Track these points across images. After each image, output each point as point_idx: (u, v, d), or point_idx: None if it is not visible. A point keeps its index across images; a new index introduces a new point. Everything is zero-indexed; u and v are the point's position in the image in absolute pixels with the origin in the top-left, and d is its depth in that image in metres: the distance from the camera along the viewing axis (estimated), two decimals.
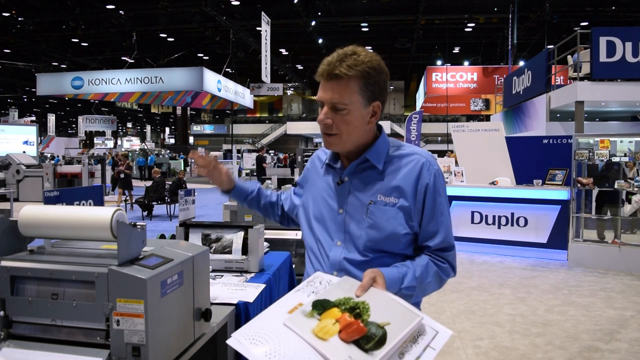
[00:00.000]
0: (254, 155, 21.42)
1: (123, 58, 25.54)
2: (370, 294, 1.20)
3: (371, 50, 1.39)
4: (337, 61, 1.31)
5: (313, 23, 21.72)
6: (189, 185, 11.39)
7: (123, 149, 30.26)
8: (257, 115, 46.31)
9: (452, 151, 16.11)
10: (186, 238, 2.38)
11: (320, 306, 1.18)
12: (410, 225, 1.38)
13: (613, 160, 6.39)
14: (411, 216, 1.38)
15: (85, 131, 36.02)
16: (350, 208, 1.40)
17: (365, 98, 1.34)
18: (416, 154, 1.42)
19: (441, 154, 21.42)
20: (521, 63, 20.22)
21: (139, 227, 1.37)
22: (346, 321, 1.12)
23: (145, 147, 35.44)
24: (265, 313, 1.21)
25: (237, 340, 1.12)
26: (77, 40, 24.84)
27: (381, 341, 1.06)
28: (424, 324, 1.14)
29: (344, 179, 1.43)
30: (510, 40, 18.78)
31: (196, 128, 45.78)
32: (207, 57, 29.60)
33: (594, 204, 6.79)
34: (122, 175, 12.66)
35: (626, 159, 6.56)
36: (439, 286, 1.42)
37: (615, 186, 6.30)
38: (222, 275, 2.24)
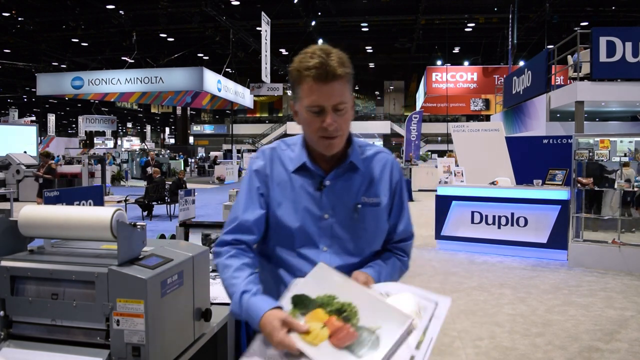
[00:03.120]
0: (254, 155, 21.41)
1: (123, 58, 25.54)
2: (355, 293, 1.15)
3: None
4: (328, 60, 1.25)
5: (313, 23, 21.71)
6: (189, 186, 11.39)
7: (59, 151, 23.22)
8: (257, 115, 46.27)
9: (452, 151, 16.10)
10: (186, 238, 2.38)
11: (302, 304, 1.13)
12: (388, 221, 1.43)
13: (596, 160, 6.35)
14: (389, 213, 1.43)
15: (85, 131, 35.93)
16: (337, 212, 1.36)
17: (351, 93, 1.33)
18: (382, 152, 1.46)
19: (441, 154, 21.41)
20: (521, 63, 20.20)
21: (139, 227, 1.37)
22: (335, 325, 1.07)
23: (145, 147, 35.43)
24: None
25: None
26: (77, 40, 24.83)
27: (374, 347, 1.03)
28: (422, 301, 1.12)
29: (325, 183, 1.36)
30: (510, 40, 18.78)
31: (196, 128, 45.76)
32: (207, 57, 29.57)
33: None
34: (40, 181, 9.99)
35: (626, 159, 6.54)
36: (398, 279, 1.48)
37: (615, 186, 6.29)
38: None
